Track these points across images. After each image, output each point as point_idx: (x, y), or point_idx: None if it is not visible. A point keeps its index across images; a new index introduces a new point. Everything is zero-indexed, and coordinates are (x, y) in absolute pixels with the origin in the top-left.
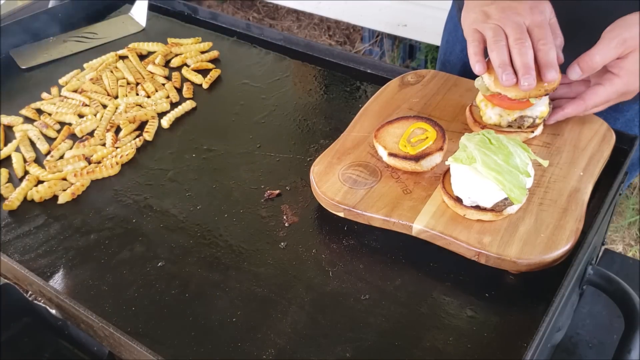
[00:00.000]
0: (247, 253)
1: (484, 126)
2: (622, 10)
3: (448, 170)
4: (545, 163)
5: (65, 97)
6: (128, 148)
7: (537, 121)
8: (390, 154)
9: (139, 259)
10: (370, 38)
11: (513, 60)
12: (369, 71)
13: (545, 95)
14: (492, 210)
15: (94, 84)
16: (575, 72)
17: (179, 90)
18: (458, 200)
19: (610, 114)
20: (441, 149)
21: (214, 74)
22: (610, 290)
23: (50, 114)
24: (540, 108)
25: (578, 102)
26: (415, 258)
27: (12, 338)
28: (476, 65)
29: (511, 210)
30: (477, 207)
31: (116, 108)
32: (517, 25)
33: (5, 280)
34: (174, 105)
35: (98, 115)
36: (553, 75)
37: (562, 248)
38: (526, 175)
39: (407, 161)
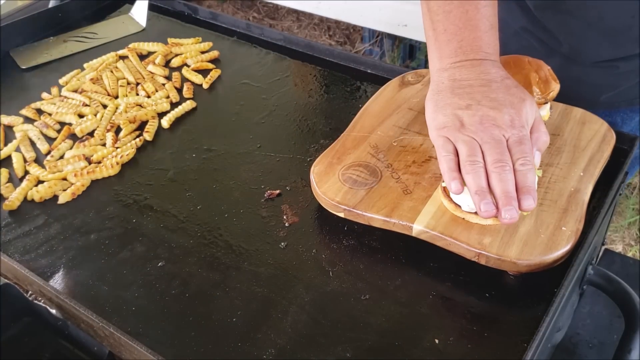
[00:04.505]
0: (247, 253)
1: None
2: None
3: None
4: (539, 173)
5: (65, 97)
6: (128, 148)
7: None
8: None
9: (139, 259)
10: (370, 38)
11: (491, 186)
12: (369, 71)
13: (545, 103)
14: None
15: (94, 84)
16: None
17: (179, 90)
18: (457, 204)
19: (627, 113)
20: None
21: (214, 74)
22: (611, 290)
23: (50, 114)
24: (542, 113)
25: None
26: (416, 258)
27: (12, 338)
28: (452, 184)
29: None
30: (477, 212)
31: (116, 108)
32: (496, 143)
33: (5, 280)
34: (174, 105)
35: (98, 115)
36: (530, 204)
37: (562, 249)
38: None
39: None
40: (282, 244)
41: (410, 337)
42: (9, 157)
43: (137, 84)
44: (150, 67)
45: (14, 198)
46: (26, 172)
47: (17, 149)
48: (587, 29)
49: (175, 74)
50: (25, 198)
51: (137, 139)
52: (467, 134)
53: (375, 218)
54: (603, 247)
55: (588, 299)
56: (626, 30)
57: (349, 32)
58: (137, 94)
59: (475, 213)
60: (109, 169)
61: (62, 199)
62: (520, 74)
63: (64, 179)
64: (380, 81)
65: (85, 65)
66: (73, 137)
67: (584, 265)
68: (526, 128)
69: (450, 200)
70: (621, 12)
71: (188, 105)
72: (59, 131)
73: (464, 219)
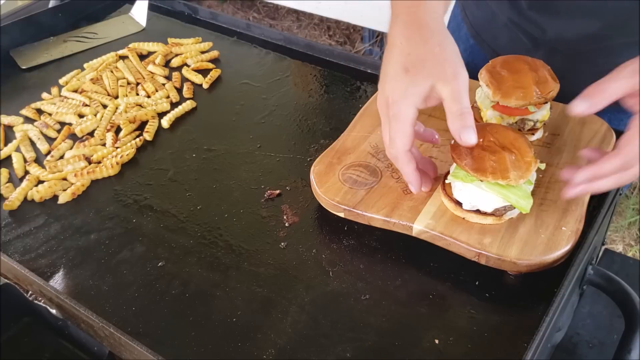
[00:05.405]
0: (247, 253)
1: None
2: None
3: (449, 171)
4: (542, 166)
5: (65, 97)
6: (128, 148)
7: (538, 125)
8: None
9: (139, 259)
10: (370, 38)
11: None
12: (369, 71)
13: (545, 103)
14: (492, 214)
15: (94, 84)
16: (581, 105)
17: (179, 90)
18: (458, 203)
19: (615, 115)
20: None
21: (214, 74)
22: (611, 290)
23: (50, 114)
24: (542, 112)
25: (588, 168)
26: (416, 258)
27: (12, 338)
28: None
29: (512, 214)
30: (478, 211)
31: (116, 108)
32: (389, 154)
33: (6, 280)
34: (174, 105)
35: (98, 115)
36: (415, 188)
37: (563, 249)
38: (528, 184)
39: None
40: (282, 244)
41: (410, 337)
42: (9, 157)
43: (137, 84)
44: (150, 67)
45: (14, 198)
46: (26, 172)
47: (17, 149)
48: (574, 12)
49: (175, 74)
50: (25, 198)
51: (137, 139)
52: (385, 124)
53: (375, 218)
54: (603, 247)
55: (588, 299)
56: (616, 10)
57: (349, 32)
58: (137, 94)
59: (476, 212)
60: (109, 169)
61: (62, 199)
62: (519, 74)
63: (64, 179)
64: None
65: (85, 65)
66: (73, 137)
67: (584, 265)
68: (399, 105)
69: (451, 199)
70: None
71: (188, 105)
72: (59, 131)
73: (464, 218)
